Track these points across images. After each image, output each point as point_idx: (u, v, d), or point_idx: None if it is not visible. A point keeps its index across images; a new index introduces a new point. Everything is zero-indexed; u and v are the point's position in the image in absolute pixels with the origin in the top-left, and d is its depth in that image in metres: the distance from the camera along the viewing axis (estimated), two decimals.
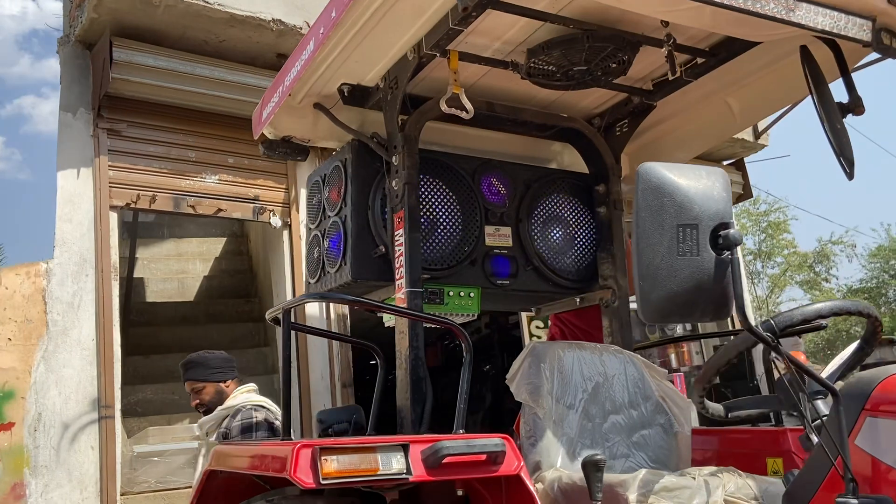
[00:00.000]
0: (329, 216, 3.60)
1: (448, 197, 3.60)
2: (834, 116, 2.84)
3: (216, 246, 9.65)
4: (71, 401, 5.37)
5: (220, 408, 4.46)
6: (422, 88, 3.60)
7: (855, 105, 2.90)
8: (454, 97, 3.23)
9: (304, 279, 3.88)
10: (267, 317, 3.00)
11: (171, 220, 9.88)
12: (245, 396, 4.50)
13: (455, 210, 3.59)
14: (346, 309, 6.60)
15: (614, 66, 3.20)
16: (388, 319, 3.64)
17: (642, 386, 3.15)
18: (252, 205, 6.48)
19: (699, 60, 3.29)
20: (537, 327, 7.81)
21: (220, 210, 6.30)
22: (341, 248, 3.43)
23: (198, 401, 4.57)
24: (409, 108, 3.42)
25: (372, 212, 3.43)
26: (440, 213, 3.55)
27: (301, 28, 6.07)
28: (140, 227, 9.22)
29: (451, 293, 3.54)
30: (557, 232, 3.84)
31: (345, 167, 3.50)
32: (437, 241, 3.50)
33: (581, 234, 3.89)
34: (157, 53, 5.94)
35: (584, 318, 4.41)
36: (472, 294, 3.58)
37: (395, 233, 3.28)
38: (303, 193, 6.71)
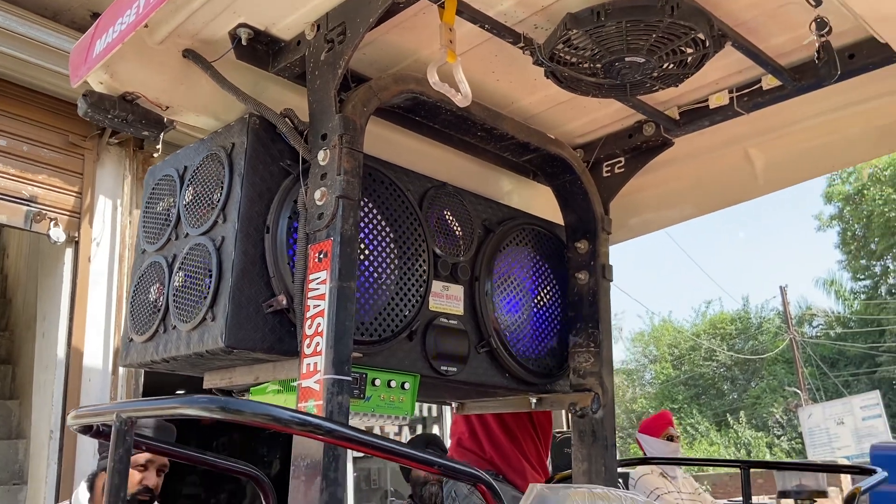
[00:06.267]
0: (188, 234, 2.14)
1: (382, 230, 2.29)
2: None
3: None
4: None
5: None
6: (359, 63, 2.33)
7: None
8: (444, 70, 1.98)
9: (122, 332, 2.34)
10: (71, 423, 1.50)
11: None
12: None
13: (391, 252, 2.29)
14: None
15: (676, 67, 2.12)
16: None
17: None
18: (25, 207, 4.62)
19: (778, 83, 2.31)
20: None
21: None
22: (209, 292, 1.99)
23: None
24: (349, 82, 2.12)
25: (272, 237, 2.04)
26: (370, 255, 2.23)
27: None
28: None
29: (376, 382, 2.20)
30: (521, 301, 2.65)
31: (230, 158, 2.09)
32: (363, 297, 2.18)
33: (550, 307, 2.73)
34: None
35: (509, 419, 3.23)
36: (406, 384, 2.27)
37: (311, 276, 1.93)
38: (101, 202, 4.97)
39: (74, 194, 4.87)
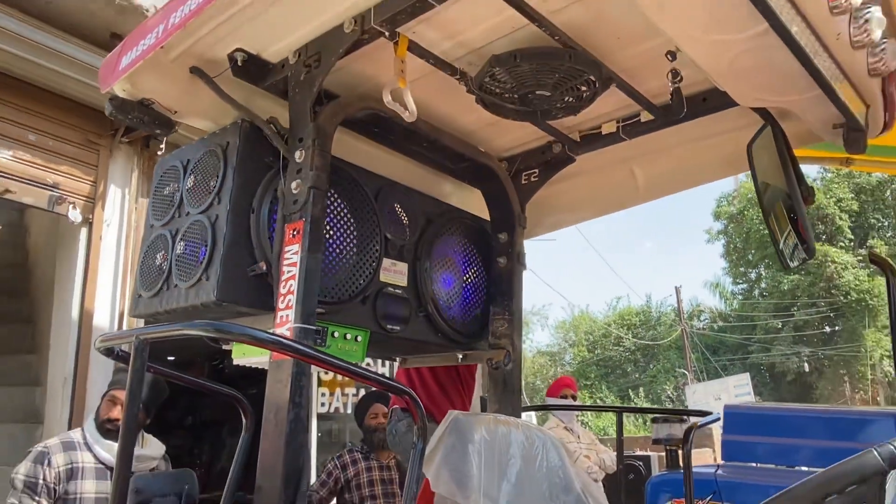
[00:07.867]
0: (189, 213, 2.26)
1: (345, 216, 2.45)
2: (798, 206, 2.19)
3: None
4: None
5: None
6: (330, 84, 2.46)
7: (807, 194, 2.30)
8: (396, 92, 2.14)
9: (133, 290, 2.44)
10: (98, 345, 1.62)
11: None
12: None
13: (352, 233, 2.45)
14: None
15: (574, 100, 2.32)
16: (241, 355, 2.36)
17: (563, 476, 2.21)
18: (49, 192, 4.63)
19: (643, 119, 2.54)
20: None
21: (7, 191, 4.39)
22: (204, 257, 2.12)
23: None
24: (322, 98, 2.26)
25: (256, 216, 2.18)
26: (334, 234, 2.39)
27: (147, 11, 4.51)
28: None
29: (335, 334, 2.36)
30: (453, 277, 2.83)
31: (225, 153, 2.22)
32: (327, 267, 2.33)
33: (476, 283, 2.91)
34: None
35: (441, 375, 3.41)
36: (359, 338, 2.43)
37: (286, 248, 2.07)
38: (112, 190, 5.00)
39: (90, 183, 4.89)
